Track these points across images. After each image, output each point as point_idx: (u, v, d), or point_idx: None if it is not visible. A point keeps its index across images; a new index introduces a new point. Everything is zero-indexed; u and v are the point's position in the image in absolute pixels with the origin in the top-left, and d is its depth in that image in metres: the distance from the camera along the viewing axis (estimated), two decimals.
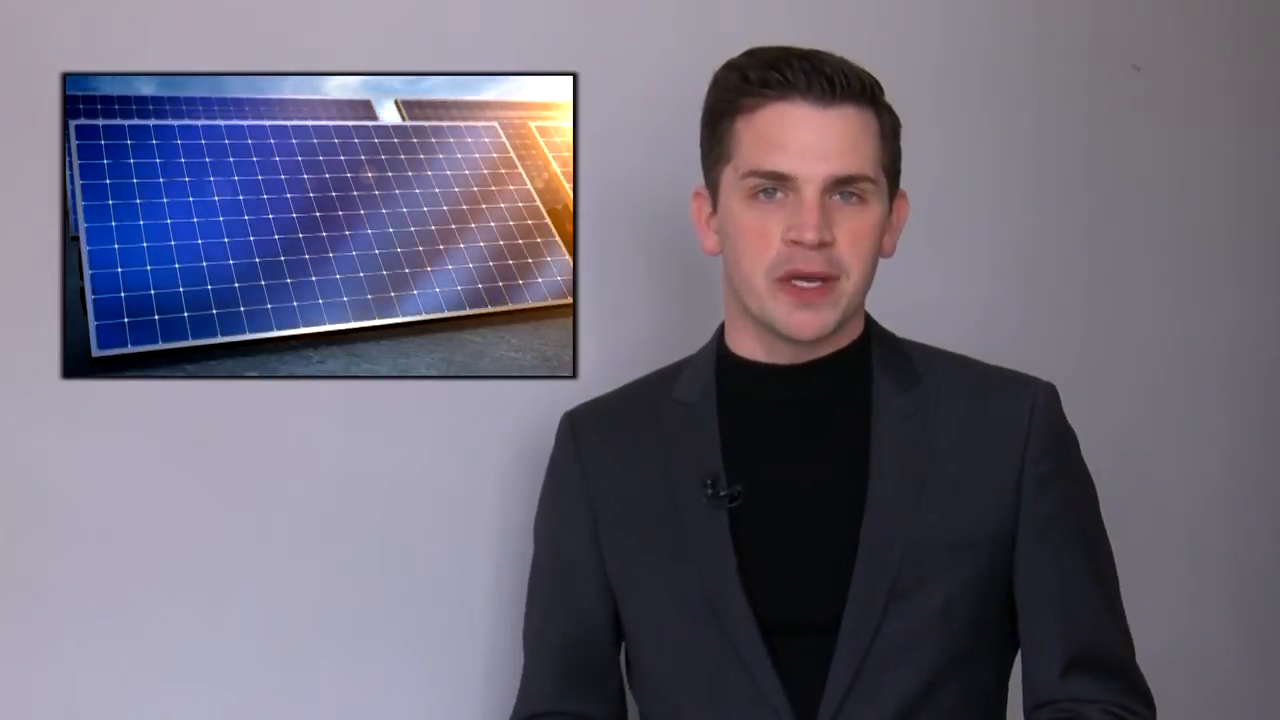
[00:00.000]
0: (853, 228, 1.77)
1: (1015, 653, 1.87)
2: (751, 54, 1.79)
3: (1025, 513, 1.80)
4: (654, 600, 1.84)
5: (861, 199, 1.77)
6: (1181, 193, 2.74)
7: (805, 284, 1.77)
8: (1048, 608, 1.81)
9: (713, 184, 1.83)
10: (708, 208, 1.84)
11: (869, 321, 1.87)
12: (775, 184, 1.77)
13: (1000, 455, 1.81)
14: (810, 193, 1.75)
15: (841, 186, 1.76)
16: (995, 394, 1.84)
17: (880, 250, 1.82)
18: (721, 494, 1.80)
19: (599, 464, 1.88)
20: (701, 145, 1.84)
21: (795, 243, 1.75)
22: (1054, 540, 1.81)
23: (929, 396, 1.83)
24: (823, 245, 1.75)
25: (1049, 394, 1.84)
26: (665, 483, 1.84)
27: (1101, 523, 1.87)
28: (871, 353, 1.85)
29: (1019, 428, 1.81)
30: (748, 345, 1.85)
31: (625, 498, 1.86)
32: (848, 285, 1.78)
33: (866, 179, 1.77)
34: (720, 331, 1.89)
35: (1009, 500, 1.80)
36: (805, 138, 1.75)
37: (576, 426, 1.91)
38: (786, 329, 1.79)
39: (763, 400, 1.84)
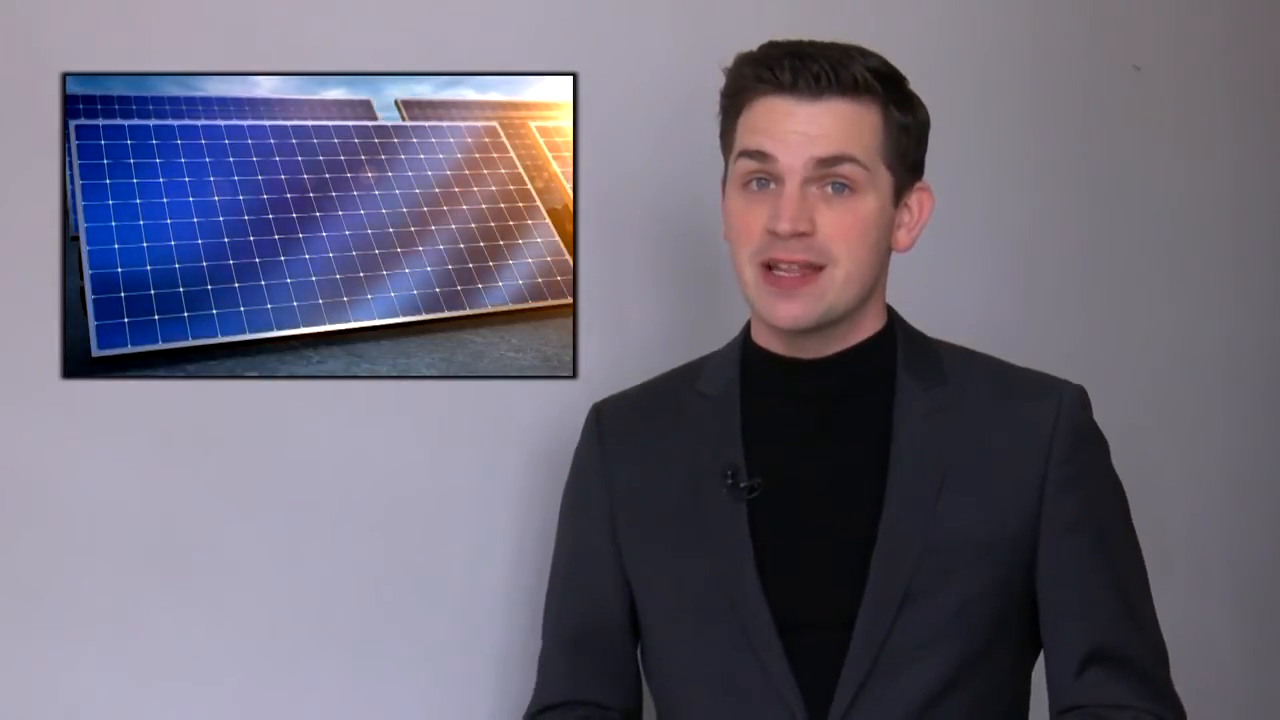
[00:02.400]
0: (839, 219, 1.77)
1: (1037, 655, 1.86)
2: (761, 48, 1.82)
3: (1047, 515, 1.79)
4: (670, 593, 1.84)
5: (852, 189, 1.78)
6: (1181, 192, 2.74)
7: (786, 273, 1.78)
8: (1068, 611, 1.80)
9: (725, 174, 1.85)
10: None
11: (894, 318, 1.87)
12: (764, 171, 1.78)
13: (1024, 456, 1.80)
14: (792, 183, 1.77)
15: (828, 172, 1.77)
16: (1022, 395, 1.83)
17: (887, 243, 1.82)
18: (741, 485, 1.80)
19: (621, 456, 1.89)
20: (720, 136, 1.87)
21: (773, 233, 1.76)
22: (1076, 544, 1.80)
23: (954, 395, 1.82)
24: (800, 235, 1.76)
25: (1077, 396, 1.83)
26: (686, 475, 1.84)
27: (1130, 530, 1.86)
28: (896, 349, 1.85)
29: (1044, 429, 1.80)
30: (768, 338, 1.85)
31: (645, 490, 1.87)
32: (836, 274, 1.78)
33: (853, 160, 1.77)
34: (748, 324, 1.89)
35: (1031, 502, 1.80)
36: (789, 126, 1.77)
37: (602, 419, 1.92)
38: (769, 317, 1.80)
39: (784, 394, 1.84)
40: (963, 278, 2.48)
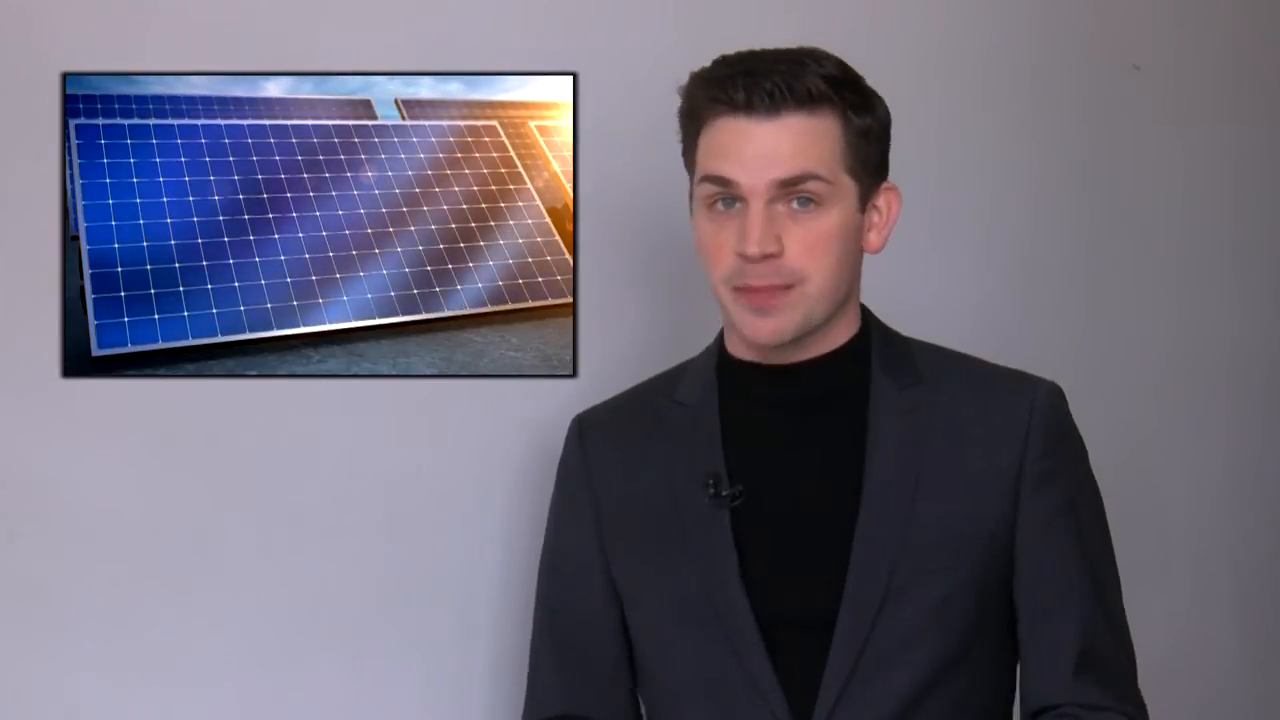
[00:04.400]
0: (806, 235, 1.77)
1: (1018, 654, 1.86)
2: (712, 65, 1.80)
3: (1024, 512, 1.80)
4: (656, 601, 1.85)
5: (817, 203, 1.77)
6: (1181, 193, 2.74)
7: (759, 282, 1.77)
8: (1043, 608, 1.81)
9: (690, 191, 1.85)
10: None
11: (869, 319, 1.87)
12: (727, 193, 1.78)
13: (999, 454, 1.80)
14: (756, 205, 1.76)
15: (791, 191, 1.76)
16: (997, 393, 1.83)
17: (857, 249, 1.82)
18: (723, 494, 1.81)
19: (604, 467, 1.89)
20: (682, 154, 1.86)
21: (742, 255, 1.76)
22: (1052, 540, 1.80)
23: (929, 395, 1.82)
24: (767, 257, 1.76)
25: (1052, 393, 1.83)
26: (667, 484, 1.84)
27: (1105, 531, 1.86)
28: (871, 351, 1.85)
29: (1019, 426, 1.80)
30: (742, 348, 1.85)
31: (629, 500, 1.87)
32: (809, 289, 1.77)
33: (815, 178, 1.76)
34: (721, 333, 1.89)
35: (1008, 499, 1.80)
36: (749, 150, 1.76)
37: (584, 430, 1.92)
38: (746, 334, 1.80)
39: (761, 400, 1.84)
40: (962, 278, 2.47)
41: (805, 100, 1.75)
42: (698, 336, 1.99)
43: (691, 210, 1.85)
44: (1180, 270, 2.75)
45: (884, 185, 1.84)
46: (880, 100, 1.82)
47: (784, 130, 1.75)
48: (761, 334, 1.78)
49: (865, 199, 1.81)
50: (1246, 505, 2.84)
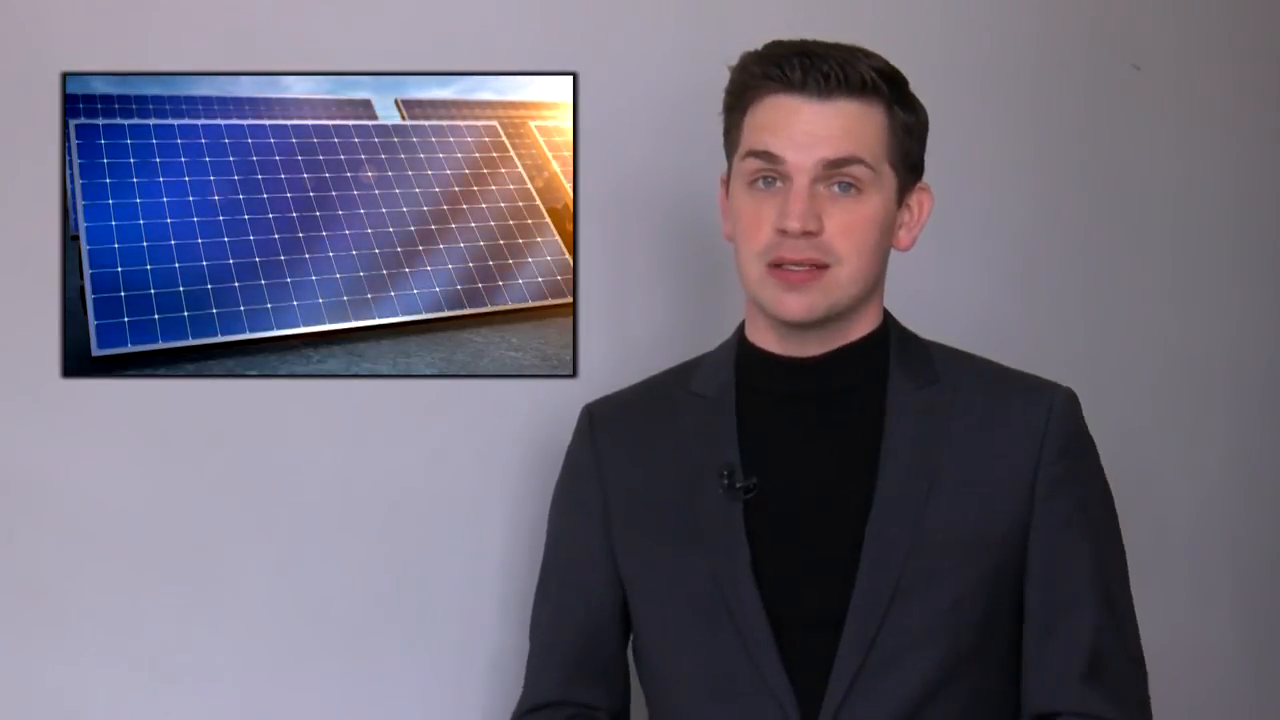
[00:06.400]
0: (846, 218, 1.79)
1: None
2: (766, 46, 1.82)
3: (1038, 515, 1.80)
4: (664, 593, 1.85)
5: (858, 189, 1.79)
6: (1181, 192, 2.74)
7: (794, 268, 1.79)
8: (1053, 613, 1.81)
9: (729, 171, 1.86)
10: (725, 193, 1.86)
11: (889, 319, 1.88)
12: (771, 170, 1.79)
13: (1015, 456, 1.81)
14: (801, 181, 1.78)
15: (835, 173, 1.78)
16: (1014, 396, 1.84)
17: (889, 243, 1.84)
18: (737, 486, 1.81)
19: (614, 457, 1.89)
20: (723, 134, 1.87)
21: (782, 231, 1.77)
22: (1064, 546, 1.80)
23: (945, 395, 1.83)
24: (808, 234, 1.77)
25: (1068, 398, 1.84)
26: (681, 475, 1.85)
27: (1118, 538, 1.86)
28: (889, 349, 1.85)
29: (1035, 430, 1.81)
30: (764, 337, 1.86)
31: (639, 490, 1.87)
32: (840, 273, 1.79)
33: (860, 162, 1.78)
34: (742, 325, 1.90)
35: (1022, 502, 1.80)
36: (798, 126, 1.78)
37: (594, 419, 1.92)
38: (774, 310, 1.80)
39: (778, 393, 1.85)
40: (963, 278, 2.48)
41: (858, 87, 1.78)
42: (699, 334, 1.99)
43: (727, 191, 1.85)
44: (1179, 270, 2.75)
45: (918, 185, 1.86)
46: (921, 105, 1.85)
47: (835, 113, 1.78)
48: (791, 310, 1.79)
49: (901, 194, 1.83)
50: (1244, 505, 2.84)
